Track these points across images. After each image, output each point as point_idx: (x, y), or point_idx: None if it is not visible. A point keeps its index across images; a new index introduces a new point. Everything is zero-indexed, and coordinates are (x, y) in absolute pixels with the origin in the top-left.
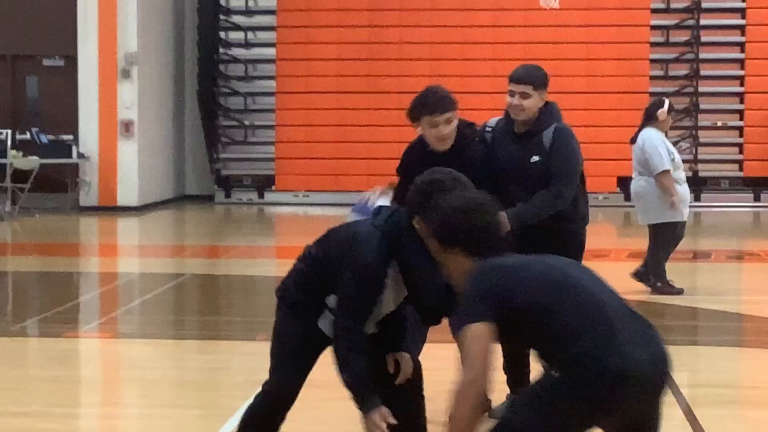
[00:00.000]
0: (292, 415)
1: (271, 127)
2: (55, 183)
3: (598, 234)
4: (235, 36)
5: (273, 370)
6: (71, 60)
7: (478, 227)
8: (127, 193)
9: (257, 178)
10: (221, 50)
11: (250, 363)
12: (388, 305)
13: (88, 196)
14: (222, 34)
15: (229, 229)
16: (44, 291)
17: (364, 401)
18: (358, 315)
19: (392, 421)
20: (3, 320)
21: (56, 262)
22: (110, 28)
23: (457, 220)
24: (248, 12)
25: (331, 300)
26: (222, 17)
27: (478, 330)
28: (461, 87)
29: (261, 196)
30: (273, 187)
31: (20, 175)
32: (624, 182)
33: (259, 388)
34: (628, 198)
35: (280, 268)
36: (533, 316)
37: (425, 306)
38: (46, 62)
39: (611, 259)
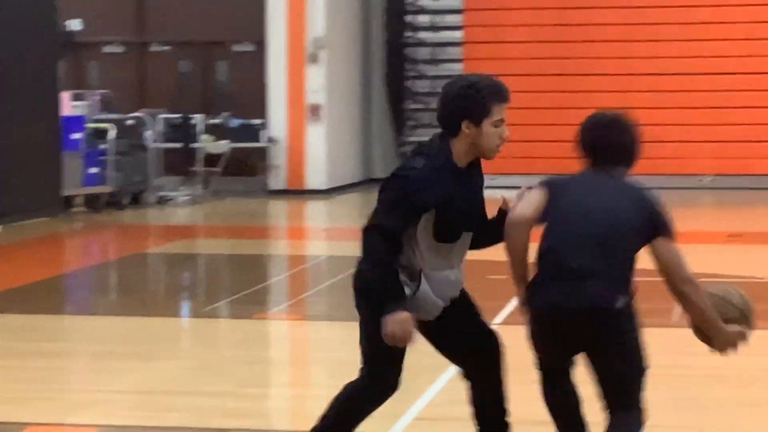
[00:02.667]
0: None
1: None
2: (245, 166)
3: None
4: (422, 19)
5: (371, 363)
6: (260, 45)
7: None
8: (316, 177)
9: None
10: (408, 33)
11: None
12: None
13: (277, 180)
14: (409, 18)
15: None
16: (234, 273)
17: (389, 297)
18: (396, 217)
19: (412, 335)
20: (195, 301)
21: (246, 244)
22: (298, 13)
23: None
24: None
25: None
26: (409, 1)
27: None
28: (649, 68)
29: None
30: None
31: (211, 159)
32: None
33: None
34: None
35: None
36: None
37: (451, 226)
38: (235, 48)
39: None
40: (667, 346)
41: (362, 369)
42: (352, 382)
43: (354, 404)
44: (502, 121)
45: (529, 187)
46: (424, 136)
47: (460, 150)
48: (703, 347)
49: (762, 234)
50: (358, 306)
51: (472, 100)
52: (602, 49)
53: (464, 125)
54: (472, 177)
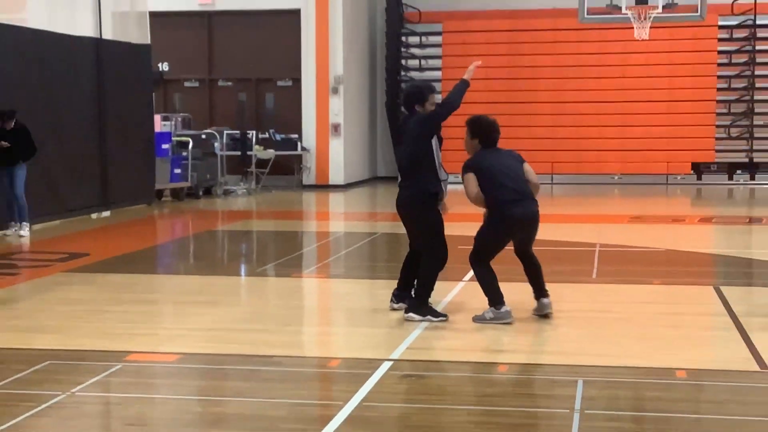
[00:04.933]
0: None
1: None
2: (286, 168)
3: (678, 204)
4: (413, 63)
5: (435, 243)
6: (296, 81)
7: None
8: (336, 175)
9: None
10: (402, 73)
11: None
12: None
13: (309, 178)
14: (403, 62)
15: None
16: (278, 245)
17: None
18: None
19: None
20: (250, 265)
21: (286, 224)
22: (324, 56)
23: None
24: (422, 45)
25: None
26: (403, 49)
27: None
28: (573, 98)
29: None
30: None
31: (261, 163)
32: (697, 167)
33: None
34: (699, 178)
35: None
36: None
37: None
38: (279, 83)
39: (686, 223)
40: (586, 296)
41: (427, 251)
42: (424, 261)
43: (435, 268)
44: (433, 104)
45: None
46: None
47: None
48: (614, 296)
49: (656, 216)
50: (415, 218)
51: (419, 92)
52: (539, 84)
53: (417, 107)
54: None
